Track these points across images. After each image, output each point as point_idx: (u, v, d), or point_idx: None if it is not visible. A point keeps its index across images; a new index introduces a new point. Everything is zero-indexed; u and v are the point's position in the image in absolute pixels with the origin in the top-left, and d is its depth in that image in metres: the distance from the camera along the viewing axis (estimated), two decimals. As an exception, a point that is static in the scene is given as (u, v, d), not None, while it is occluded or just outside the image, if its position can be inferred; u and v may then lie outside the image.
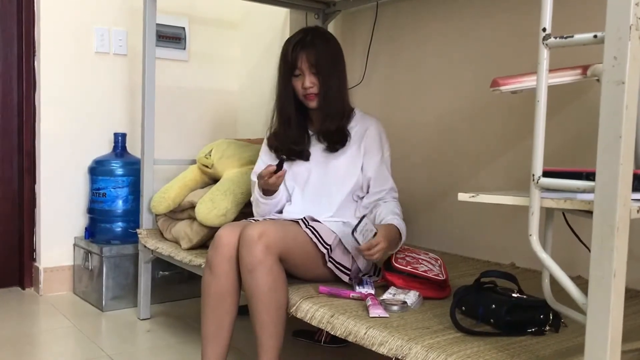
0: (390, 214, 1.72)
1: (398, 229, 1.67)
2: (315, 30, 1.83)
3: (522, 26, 2.01)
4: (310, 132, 1.85)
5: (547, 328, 1.29)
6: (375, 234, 1.57)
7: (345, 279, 1.68)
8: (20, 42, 2.81)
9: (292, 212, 1.84)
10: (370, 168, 1.79)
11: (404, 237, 1.69)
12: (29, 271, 2.86)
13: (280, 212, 1.88)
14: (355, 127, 1.80)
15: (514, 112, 2.04)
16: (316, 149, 1.81)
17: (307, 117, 1.85)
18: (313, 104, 1.78)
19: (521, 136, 2.03)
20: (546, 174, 1.02)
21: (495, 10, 2.11)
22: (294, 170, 1.84)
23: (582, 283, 1.31)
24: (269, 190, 1.79)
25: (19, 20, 2.81)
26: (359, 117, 1.82)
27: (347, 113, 1.82)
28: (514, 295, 1.33)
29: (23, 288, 2.86)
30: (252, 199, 1.89)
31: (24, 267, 2.86)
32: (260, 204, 1.83)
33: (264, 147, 1.92)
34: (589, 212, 0.93)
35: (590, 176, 0.98)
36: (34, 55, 2.78)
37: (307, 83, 1.75)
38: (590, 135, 1.81)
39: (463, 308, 1.40)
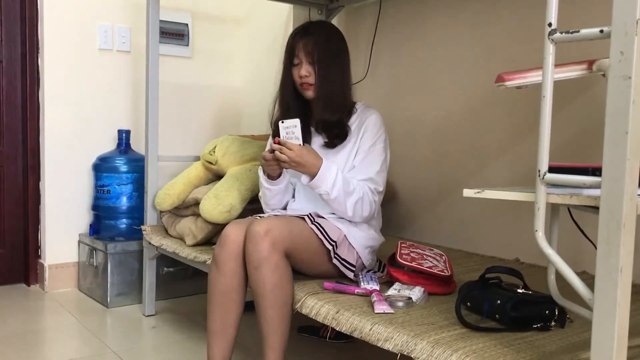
0: (341, 175, 1.67)
1: (322, 168, 1.63)
2: (318, 22, 1.85)
3: (528, 21, 2.01)
4: (312, 128, 1.84)
5: (553, 324, 1.29)
6: (300, 145, 1.63)
7: (350, 275, 1.68)
8: (24, 39, 2.81)
9: (295, 208, 1.84)
10: (358, 157, 1.75)
11: (330, 191, 1.63)
12: (34, 268, 2.87)
13: (285, 208, 1.88)
14: (355, 121, 1.79)
15: (519, 108, 2.04)
16: (316, 144, 1.81)
17: (309, 110, 1.83)
18: (309, 93, 1.77)
19: (526, 131, 2.02)
20: (552, 169, 1.01)
21: (501, 4, 2.10)
22: (292, 176, 1.84)
23: (587, 278, 1.31)
24: (272, 175, 1.79)
25: (22, 18, 2.81)
26: (360, 111, 1.80)
27: (348, 107, 1.80)
28: (519, 290, 1.33)
29: (28, 285, 2.88)
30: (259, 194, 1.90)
31: (29, 264, 2.87)
32: (264, 189, 1.83)
33: (270, 139, 1.92)
34: (595, 208, 0.93)
35: (596, 172, 0.98)
36: (37, 53, 2.79)
37: (303, 72, 1.74)
38: (596, 131, 1.81)
39: (468, 304, 1.40)
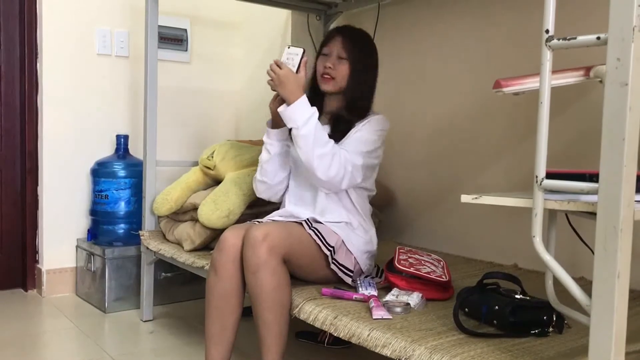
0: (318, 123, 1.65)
1: (300, 100, 1.62)
2: (361, 30, 1.88)
3: (526, 27, 2.01)
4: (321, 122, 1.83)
5: (551, 329, 1.29)
6: (297, 70, 1.66)
7: (348, 280, 1.68)
8: (22, 44, 2.81)
9: (289, 199, 1.85)
10: (350, 135, 1.74)
11: (301, 126, 1.62)
12: (32, 273, 2.87)
13: (278, 208, 1.88)
14: (362, 122, 1.79)
15: (518, 112, 2.04)
16: None
17: (321, 104, 1.82)
18: (326, 86, 1.78)
19: (525, 136, 2.03)
20: (549, 175, 1.02)
21: (499, 11, 2.11)
22: (293, 154, 1.82)
23: (585, 284, 1.31)
24: (275, 124, 1.77)
25: (21, 22, 2.81)
26: (370, 116, 1.81)
27: (365, 112, 1.81)
28: (517, 296, 1.33)
29: (26, 290, 2.87)
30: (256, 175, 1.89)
31: (26, 269, 2.86)
32: (265, 147, 1.81)
33: None
34: (593, 214, 0.93)
35: (594, 177, 0.98)
36: (36, 57, 2.79)
37: (329, 63, 1.77)
38: (595, 136, 1.81)
39: (466, 309, 1.40)
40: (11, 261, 2.87)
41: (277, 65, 1.66)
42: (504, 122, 2.09)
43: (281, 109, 1.65)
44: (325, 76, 1.77)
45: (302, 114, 1.63)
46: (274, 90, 1.70)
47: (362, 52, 1.80)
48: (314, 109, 1.66)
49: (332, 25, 2.74)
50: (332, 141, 1.68)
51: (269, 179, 1.84)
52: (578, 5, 1.83)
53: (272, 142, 1.80)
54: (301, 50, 1.67)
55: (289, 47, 1.71)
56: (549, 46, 0.99)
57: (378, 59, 1.86)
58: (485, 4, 2.15)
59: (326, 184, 1.69)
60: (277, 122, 1.77)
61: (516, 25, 2.04)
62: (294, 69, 1.66)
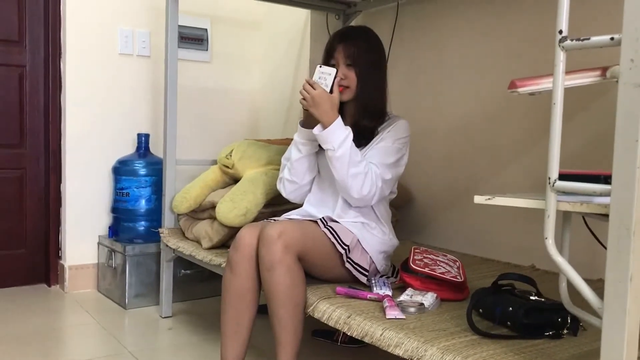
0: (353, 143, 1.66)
1: (336, 123, 1.64)
2: (359, 28, 1.87)
3: (543, 27, 1.99)
4: None
5: (565, 331, 1.28)
6: (330, 90, 1.66)
7: (363, 279, 1.68)
8: (46, 44, 2.87)
9: (309, 200, 1.85)
10: (376, 145, 1.75)
11: (337, 147, 1.63)
12: (55, 269, 2.92)
13: (299, 206, 1.89)
14: (385, 128, 1.79)
15: (536, 112, 2.03)
16: None
17: (341, 112, 1.79)
18: (344, 96, 1.77)
19: (543, 136, 2.01)
20: (564, 176, 1.01)
21: (516, 11, 2.09)
22: (319, 160, 1.84)
23: (602, 286, 1.30)
24: (307, 124, 1.75)
25: (45, 23, 2.86)
26: (391, 120, 1.81)
27: (382, 114, 1.81)
28: (531, 297, 1.32)
29: (49, 285, 2.93)
30: (283, 161, 1.90)
31: (50, 265, 2.92)
32: (296, 148, 1.80)
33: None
34: (606, 216, 0.92)
35: (608, 179, 0.97)
36: (60, 57, 2.84)
37: (341, 74, 1.75)
38: (612, 137, 1.78)
39: (480, 310, 1.39)
40: (35, 257, 2.93)
41: (310, 86, 1.66)
42: (523, 121, 2.07)
43: (316, 131, 1.67)
44: (340, 88, 1.75)
45: (338, 136, 1.64)
46: (306, 109, 1.69)
47: (365, 52, 1.77)
48: (348, 129, 1.67)
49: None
50: (364, 160, 1.69)
51: (299, 178, 1.84)
52: (594, 5, 1.81)
53: (304, 142, 1.79)
54: (334, 70, 1.67)
55: (320, 66, 1.70)
56: (562, 47, 0.98)
57: (383, 52, 1.84)
58: (504, 3, 2.13)
59: (359, 201, 1.71)
60: (310, 121, 1.75)
61: (535, 25, 2.02)
62: (327, 89, 1.66)
